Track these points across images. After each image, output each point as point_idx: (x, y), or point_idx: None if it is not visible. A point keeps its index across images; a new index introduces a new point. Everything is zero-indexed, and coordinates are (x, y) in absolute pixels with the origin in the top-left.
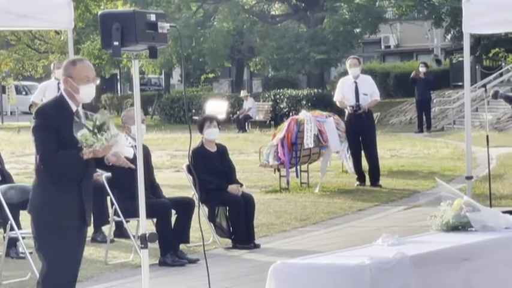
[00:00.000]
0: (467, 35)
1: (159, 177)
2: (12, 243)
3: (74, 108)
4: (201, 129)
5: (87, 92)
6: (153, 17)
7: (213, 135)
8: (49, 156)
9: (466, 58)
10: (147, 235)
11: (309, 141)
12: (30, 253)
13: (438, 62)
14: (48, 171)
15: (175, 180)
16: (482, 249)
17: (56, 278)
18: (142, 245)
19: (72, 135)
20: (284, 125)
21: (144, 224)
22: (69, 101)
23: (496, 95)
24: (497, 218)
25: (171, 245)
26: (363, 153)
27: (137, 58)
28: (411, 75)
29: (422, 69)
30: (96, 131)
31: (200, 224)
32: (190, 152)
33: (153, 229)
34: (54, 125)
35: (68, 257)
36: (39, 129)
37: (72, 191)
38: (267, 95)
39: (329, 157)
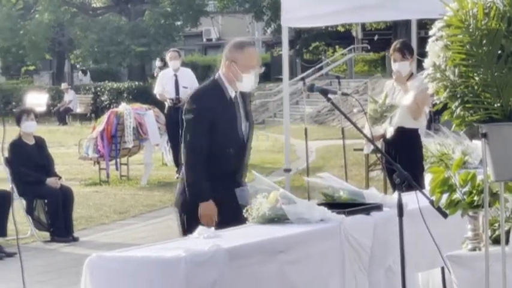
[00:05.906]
0: (285, 29)
1: None
2: None
3: (232, 94)
4: (18, 122)
5: (250, 81)
6: None
7: (30, 128)
8: (197, 153)
9: (285, 51)
10: None
11: (129, 139)
12: None
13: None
14: (187, 167)
15: None
16: (297, 241)
17: None
18: None
19: (231, 124)
20: (104, 118)
21: None
22: (227, 85)
23: (311, 88)
24: (312, 210)
25: None
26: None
27: None
28: None
29: None
30: None
31: (14, 217)
32: (8, 144)
33: None
34: (209, 115)
35: None
36: (192, 117)
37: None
38: (88, 88)
39: (151, 150)
